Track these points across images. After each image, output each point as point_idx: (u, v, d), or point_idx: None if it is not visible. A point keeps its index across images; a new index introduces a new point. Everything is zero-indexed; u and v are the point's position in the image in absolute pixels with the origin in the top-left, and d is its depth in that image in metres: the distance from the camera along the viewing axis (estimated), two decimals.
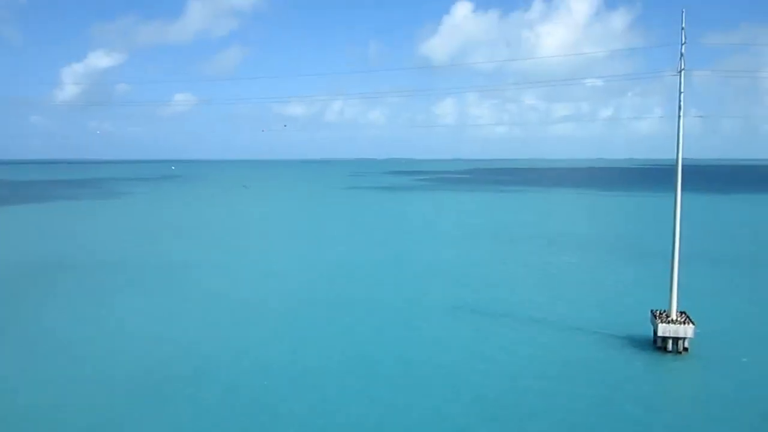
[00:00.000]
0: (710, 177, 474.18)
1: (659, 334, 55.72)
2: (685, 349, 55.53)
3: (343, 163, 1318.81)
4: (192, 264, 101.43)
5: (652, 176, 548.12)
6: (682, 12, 56.85)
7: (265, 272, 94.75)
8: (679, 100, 57.66)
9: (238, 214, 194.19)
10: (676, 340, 55.53)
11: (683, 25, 57.00)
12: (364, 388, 47.64)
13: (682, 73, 57.72)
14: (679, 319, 56.87)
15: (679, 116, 57.81)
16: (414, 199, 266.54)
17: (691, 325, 55.54)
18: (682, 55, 57.41)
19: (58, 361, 53.70)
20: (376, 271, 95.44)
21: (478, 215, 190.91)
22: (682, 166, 57.82)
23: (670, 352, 55.33)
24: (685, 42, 57.24)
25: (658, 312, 58.19)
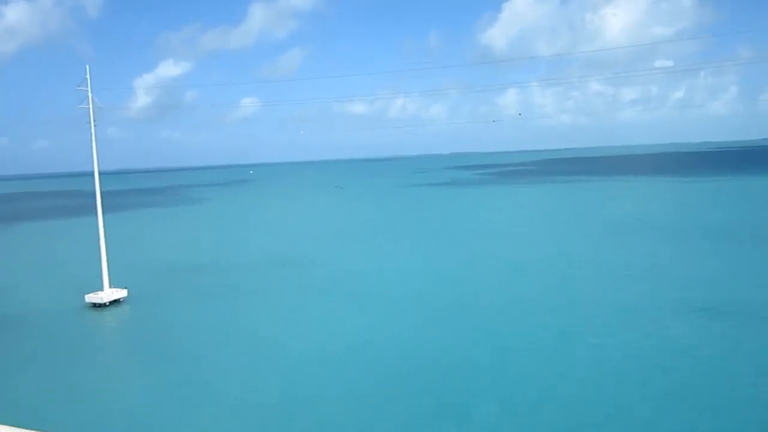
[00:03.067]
0: None
1: None
2: None
3: (408, 159, 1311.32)
4: (351, 265, 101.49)
5: (739, 158, 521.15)
6: None
7: (433, 273, 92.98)
8: None
9: (353, 215, 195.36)
10: None
11: None
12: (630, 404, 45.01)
13: None
14: None
15: None
16: (504, 194, 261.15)
17: None
18: None
19: (297, 372, 53.53)
20: (553, 270, 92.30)
21: (592, 207, 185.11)
22: None
23: None
24: None
25: None
